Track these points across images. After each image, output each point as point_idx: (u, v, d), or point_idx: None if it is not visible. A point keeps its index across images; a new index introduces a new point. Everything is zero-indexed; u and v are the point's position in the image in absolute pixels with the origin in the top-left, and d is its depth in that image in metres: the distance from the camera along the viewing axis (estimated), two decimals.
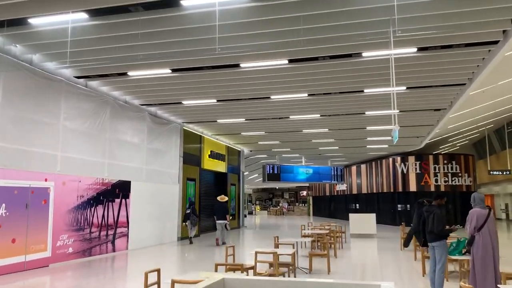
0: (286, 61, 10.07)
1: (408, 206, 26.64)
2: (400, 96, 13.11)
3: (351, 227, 18.48)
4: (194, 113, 15.92)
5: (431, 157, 26.09)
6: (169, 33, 8.55)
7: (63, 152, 10.99)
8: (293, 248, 8.29)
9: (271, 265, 7.72)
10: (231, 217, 23.10)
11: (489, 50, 9.44)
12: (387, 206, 27.84)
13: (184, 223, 16.06)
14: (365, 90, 12.73)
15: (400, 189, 26.76)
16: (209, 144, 20.71)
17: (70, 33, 8.44)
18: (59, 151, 10.86)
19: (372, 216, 18.51)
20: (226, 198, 16.46)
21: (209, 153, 20.59)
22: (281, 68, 10.56)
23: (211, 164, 20.83)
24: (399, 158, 26.98)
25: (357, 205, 33.05)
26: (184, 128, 17.94)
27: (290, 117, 16.49)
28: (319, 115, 16.17)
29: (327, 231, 12.90)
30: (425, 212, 6.91)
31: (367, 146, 24.84)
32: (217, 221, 15.52)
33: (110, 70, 10.88)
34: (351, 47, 9.20)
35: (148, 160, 15.02)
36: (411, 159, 26.35)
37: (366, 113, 15.66)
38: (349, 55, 9.74)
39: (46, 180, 10.32)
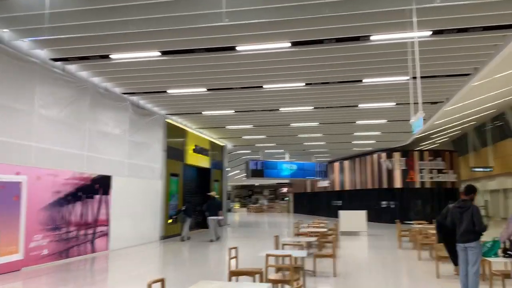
0: (289, 44, 9.22)
1: (392, 203, 26.33)
2: (400, 87, 12.50)
3: (341, 224, 17.85)
4: (179, 103, 14.91)
5: (416, 153, 25.83)
6: (164, 6, 7.59)
7: (38, 142, 9.84)
8: (304, 248, 7.48)
9: (278, 269, 6.89)
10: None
11: (504, 35, 8.87)
12: (372, 203, 27.44)
13: (175, 217, 16.48)
14: (364, 80, 12.10)
15: (385, 186, 26.41)
16: (193, 138, 19.70)
17: (48, 5, 7.37)
18: (33, 142, 9.71)
19: (363, 213, 17.95)
20: (218, 195, 16.86)
21: (193, 147, 19.59)
22: (281, 52, 9.74)
23: (194, 159, 19.84)
24: (384, 154, 26.63)
25: (340, 202, 32.63)
26: (167, 120, 16.89)
27: (280, 109, 15.69)
28: (312, 107, 15.45)
29: (325, 229, 12.18)
30: (458, 208, 6.24)
31: (353, 142, 24.32)
32: (209, 218, 15.54)
33: (92, 52, 9.79)
34: (361, 28, 8.44)
35: (130, 154, 13.94)
36: (397, 155, 26.02)
37: (360, 105, 15.01)
38: (357, 38, 8.92)
39: (18, 173, 9.17)
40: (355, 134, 21.26)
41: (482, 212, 34.45)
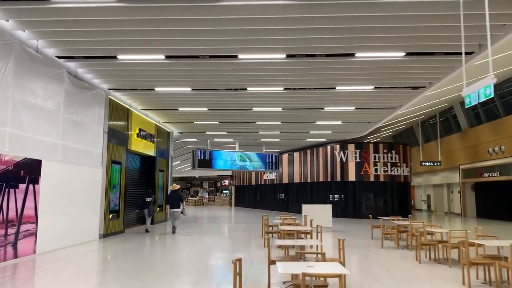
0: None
1: (343, 196, 25.48)
2: (390, 65, 11.10)
3: (304, 220, 16.32)
4: (129, 74, 12.37)
5: (371, 145, 25.15)
6: None
7: None
8: (341, 263, 5.62)
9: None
10: (158, 209, 19.77)
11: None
12: (322, 196, 26.44)
13: (137, 211, 16.46)
14: (336, 87, 13.36)
15: (338, 179, 25.48)
16: (138, 120, 17.11)
17: None
18: None
19: (328, 208, 16.59)
20: (178, 186, 16.33)
21: (137, 131, 17.00)
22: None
23: (139, 145, 17.26)
24: (338, 146, 25.66)
25: (287, 195, 31.40)
26: (110, 97, 14.23)
27: (248, 89, 13.71)
28: (282, 88, 13.67)
29: (310, 228, 10.48)
30: None
31: (311, 132, 22.97)
32: (170, 210, 15.43)
33: None
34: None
35: (66, 134, 11.24)
36: (351, 147, 25.16)
37: (337, 88, 13.56)
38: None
39: None
40: (317, 122, 19.84)
41: (424, 206, 35.13)
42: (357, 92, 14.00)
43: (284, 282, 7.03)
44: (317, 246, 10.05)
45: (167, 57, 10.54)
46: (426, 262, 9.12)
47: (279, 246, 11.01)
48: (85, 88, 12.44)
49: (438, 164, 27.57)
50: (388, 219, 13.68)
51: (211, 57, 10.51)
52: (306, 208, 16.54)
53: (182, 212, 15.68)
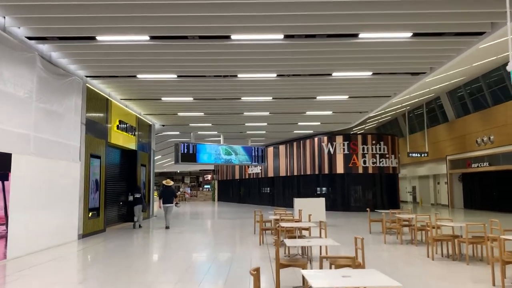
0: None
1: (331, 189, 24.87)
2: (393, 48, 10.35)
3: (296, 214, 15.55)
4: (109, 59, 11.27)
5: (359, 137, 24.56)
6: None
7: None
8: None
9: None
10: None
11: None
12: (310, 190, 25.78)
13: (126, 207, 16.62)
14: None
15: (326, 171, 24.83)
16: (118, 111, 15.96)
17: None
18: None
19: (321, 201, 15.84)
20: (172, 182, 16.57)
21: (117, 123, 15.86)
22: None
23: (119, 138, 16.13)
24: (325, 138, 24.99)
25: (273, 189, 30.65)
26: (88, 85, 13.08)
27: (239, 75, 12.77)
28: (275, 75, 12.80)
29: (313, 224, 9.68)
30: None
31: (299, 123, 22.19)
32: (163, 205, 15.44)
33: None
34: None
35: (39, 125, 10.11)
36: (339, 139, 24.52)
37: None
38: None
39: None
40: (307, 113, 19.06)
41: (409, 198, 34.93)
42: (353, 79, 13.29)
43: (294, 287, 6.21)
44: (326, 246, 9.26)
45: (152, 37, 9.51)
46: (438, 259, 8.44)
47: (269, 231, 10.19)
48: (60, 75, 11.28)
49: (425, 155, 27.26)
50: (387, 212, 13.02)
51: (201, 37, 9.51)
52: (298, 202, 15.76)
53: (176, 205, 15.96)
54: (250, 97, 15.67)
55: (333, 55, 10.87)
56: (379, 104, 17.52)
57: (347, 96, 15.84)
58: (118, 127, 15.86)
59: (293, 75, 12.77)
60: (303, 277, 5.90)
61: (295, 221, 10.37)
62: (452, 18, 8.54)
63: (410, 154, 27.32)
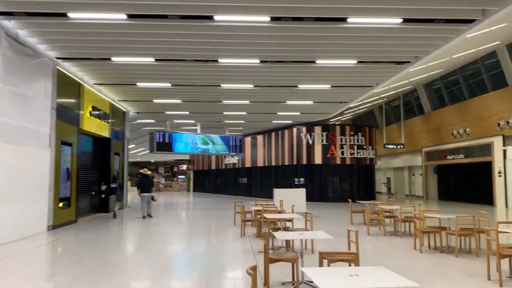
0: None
1: (309, 180, 24.70)
2: (381, 35, 10.06)
3: (277, 205, 15.24)
4: (80, 38, 10.51)
5: (338, 128, 24.44)
6: None
7: None
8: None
9: None
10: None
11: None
12: (287, 180, 25.56)
13: (102, 196, 16.24)
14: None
15: (304, 162, 24.63)
16: (91, 97, 15.17)
17: None
18: None
19: (302, 192, 15.58)
20: (150, 172, 16.58)
21: (90, 109, 15.09)
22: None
23: (92, 125, 15.35)
24: (304, 129, 24.75)
25: (250, 179, 30.30)
26: (59, 68, 12.28)
27: (220, 60, 12.24)
28: (258, 61, 12.33)
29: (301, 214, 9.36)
30: None
31: (279, 113, 21.83)
32: (141, 194, 15.19)
33: None
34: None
35: (4, 108, 9.35)
36: (318, 129, 24.33)
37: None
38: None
39: None
40: (287, 102, 18.70)
41: (383, 189, 35.26)
42: (337, 67, 13.04)
43: (283, 284, 5.85)
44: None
45: (130, 16, 8.88)
46: (426, 251, 8.26)
47: (258, 235, 9.85)
48: (28, 56, 10.49)
49: (401, 146, 27.44)
50: (369, 203, 12.85)
51: (182, 17, 8.94)
52: (278, 192, 15.44)
53: (152, 198, 15.49)
54: (231, 84, 15.16)
55: (319, 40, 10.49)
56: (360, 94, 17.35)
57: (329, 86, 15.58)
58: (91, 114, 15.09)
59: (277, 61, 12.34)
60: (293, 273, 5.56)
61: (278, 212, 10.01)
62: (445, 3, 8.25)
63: (386, 146, 27.43)
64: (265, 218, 8.70)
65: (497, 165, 19.81)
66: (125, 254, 8.70)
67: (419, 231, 8.28)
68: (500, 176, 19.64)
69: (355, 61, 12.34)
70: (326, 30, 9.74)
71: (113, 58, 12.04)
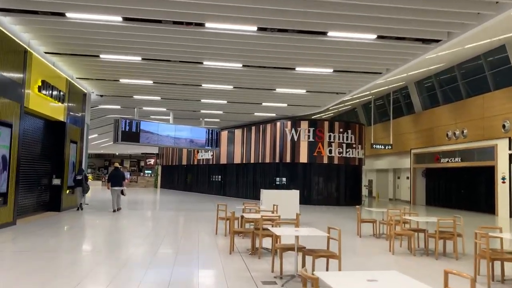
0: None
1: (292, 180, 22.41)
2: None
3: (264, 208, 12.82)
4: None
5: (326, 123, 22.27)
6: None
7: None
8: None
9: None
10: (68, 191, 15.14)
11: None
12: (268, 179, 23.24)
13: (69, 190, 15.29)
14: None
15: (288, 160, 22.32)
16: (41, 69, 12.27)
17: None
18: None
19: (295, 194, 13.27)
20: (120, 166, 16.62)
21: (40, 84, 12.18)
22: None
23: (42, 105, 12.46)
24: (289, 123, 22.43)
25: (225, 177, 27.78)
26: None
27: (207, 24, 9.69)
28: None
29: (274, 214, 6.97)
30: None
31: (264, 104, 19.40)
32: (112, 188, 15.10)
33: None
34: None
35: None
36: (304, 124, 22.07)
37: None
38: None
39: None
40: (263, 104, 16.70)
41: (364, 192, 33.48)
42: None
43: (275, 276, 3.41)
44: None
45: (125, 19, 6.96)
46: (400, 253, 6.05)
47: (253, 253, 7.44)
48: None
49: (390, 147, 25.59)
50: (383, 211, 10.58)
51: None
52: (266, 194, 13.04)
53: (122, 192, 15.40)
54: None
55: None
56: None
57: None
58: (40, 90, 12.16)
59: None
60: None
61: (274, 221, 7.57)
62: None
63: (374, 146, 25.51)
64: (270, 232, 6.23)
65: (501, 170, 18.13)
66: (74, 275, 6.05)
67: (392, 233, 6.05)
68: (504, 182, 17.94)
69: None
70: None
71: (68, 14, 9.21)
